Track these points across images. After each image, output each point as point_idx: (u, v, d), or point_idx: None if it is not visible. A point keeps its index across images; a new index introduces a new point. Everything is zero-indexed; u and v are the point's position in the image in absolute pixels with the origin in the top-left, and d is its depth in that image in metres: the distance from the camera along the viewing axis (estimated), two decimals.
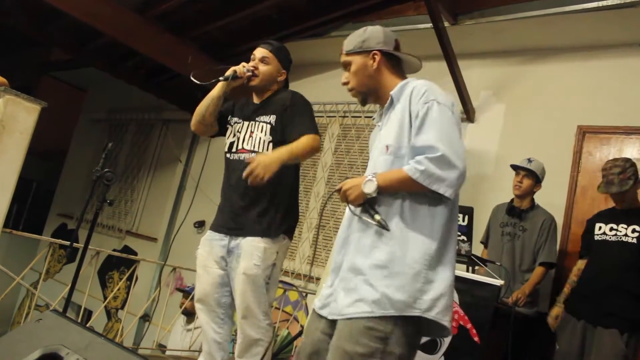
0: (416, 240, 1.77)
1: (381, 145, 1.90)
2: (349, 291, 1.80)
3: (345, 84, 2.02)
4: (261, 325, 2.47)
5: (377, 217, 1.80)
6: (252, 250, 2.46)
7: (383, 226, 1.78)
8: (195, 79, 2.60)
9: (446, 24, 4.42)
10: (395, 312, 1.70)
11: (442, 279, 1.77)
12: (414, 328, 1.76)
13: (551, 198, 3.92)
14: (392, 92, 1.93)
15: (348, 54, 2.01)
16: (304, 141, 2.48)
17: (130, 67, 6.96)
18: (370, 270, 1.77)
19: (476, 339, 2.97)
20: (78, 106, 9.72)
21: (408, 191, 1.79)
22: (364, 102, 2.03)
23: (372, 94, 2.01)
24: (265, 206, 2.54)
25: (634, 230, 3.18)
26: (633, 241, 3.16)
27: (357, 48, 2.00)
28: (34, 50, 9.00)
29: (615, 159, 3.35)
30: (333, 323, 1.83)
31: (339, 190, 1.90)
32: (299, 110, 2.59)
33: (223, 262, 2.56)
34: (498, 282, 3.06)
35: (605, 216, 3.38)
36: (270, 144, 2.56)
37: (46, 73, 9.65)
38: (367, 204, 1.83)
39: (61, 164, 9.55)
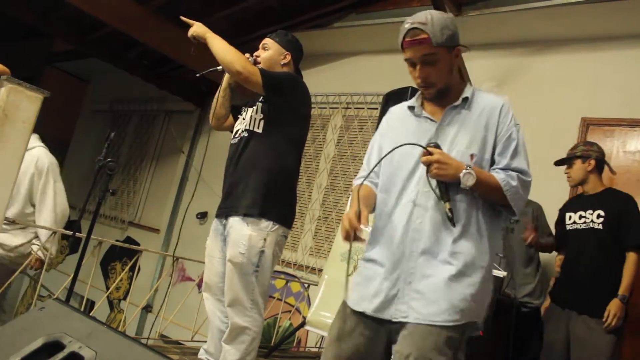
0: (489, 251, 1.82)
1: (461, 150, 1.83)
2: (434, 296, 1.74)
3: (424, 78, 1.85)
4: (248, 313, 2.45)
5: (447, 205, 1.76)
6: (237, 238, 2.45)
7: (450, 218, 1.75)
8: (199, 74, 2.63)
9: (450, 14, 4.40)
10: (474, 319, 1.77)
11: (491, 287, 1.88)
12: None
13: (554, 190, 3.91)
14: (468, 95, 1.89)
15: (438, 46, 1.79)
16: (231, 49, 2.46)
17: (132, 58, 6.96)
18: (455, 278, 1.76)
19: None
20: (81, 97, 9.72)
21: (485, 198, 1.82)
22: (434, 98, 1.91)
23: (444, 92, 1.89)
24: (251, 184, 2.51)
25: (599, 216, 3.17)
26: (599, 227, 3.15)
27: (447, 42, 1.81)
28: (37, 41, 9.00)
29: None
30: (384, 324, 1.80)
31: (428, 154, 1.76)
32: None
33: (222, 250, 2.59)
34: (500, 273, 3.06)
35: (574, 204, 3.39)
36: (262, 121, 2.55)
37: (49, 64, 9.64)
38: (444, 186, 1.77)
39: (63, 155, 9.56)
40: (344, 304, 1.91)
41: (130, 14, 5.40)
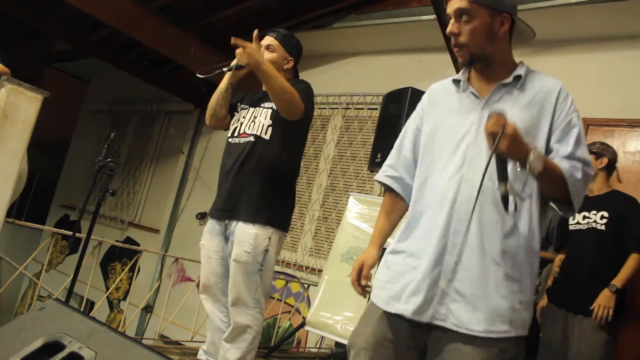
0: (536, 251, 1.60)
1: None
2: (476, 300, 1.52)
3: (455, 35, 1.65)
4: (250, 312, 2.46)
5: (503, 187, 1.44)
6: (243, 237, 2.46)
7: (504, 201, 1.44)
8: (201, 75, 2.60)
9: None
10: (523, 332, 1.55)
11: None
12: None
13: None
14: (521, 73, 1.67)
15: (476, 2, 1.61)
16: (288, 85, 2.47)
17: (132, 59, 6.96)
18: (505, 281, 1.53)
19: None
20: (81, 97, 9.72)
21: (544, 189, 1.58)
22: (468, 64, 1.70)
23: (483, 60, 1.67)
24: (256, 191, 2.52)
25: (602, 217, 3.15)
26: (602, 228, 3.13)
27: (489, 2, 1.62)
28: (37, 41, 9.00)
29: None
30: (421, 327, 1.58)
31: (500, 122, 1.42)
32: (297, 87, 2.57)
33: (223, 250, 2.58)
34: None
35: None
36: (270, 128, 2.56)
37: (49, 64, 9.64)
38: (503, 165, 1.46)
39: (64, 156, 9.56)
40: (371, 308, 1.69)
41: (131, 14, 5.40)
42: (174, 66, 6.82)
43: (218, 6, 5.48)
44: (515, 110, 1.60)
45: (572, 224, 3.30)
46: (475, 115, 1.64)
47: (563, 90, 1.65)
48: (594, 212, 3.20)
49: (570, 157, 1.56)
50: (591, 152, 3.23)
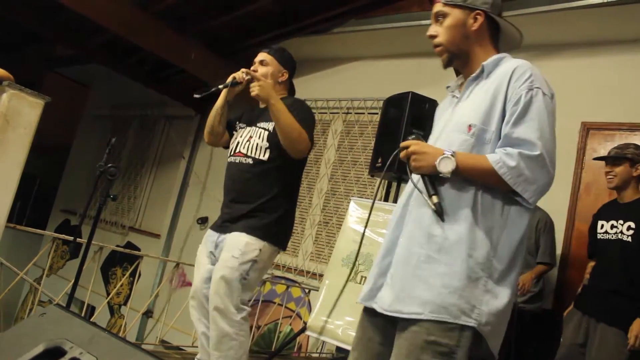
0: (484, 241, 1.53)
1: (460, 121, 1.63)
2: (397, 282, 1.56)
3: (433, 37, 1.72)
4: (234, 318, 2.44)
5: (434, 199, 1.54)
6: (234, 243, 2.48)
7: (439, 212, 1.53)
8: (198, 95, 2.61)
9: None
10: (450, 318, 1.47)
11: (503, 296, 1.53)
12: (475, 342, 1.50)
13: (554, 195, 3.88)
14: (484, 63, 1.67)
15: (447, 4, 1.69)
16: (296, 124, 2.49)
17: (133, 63, 6.97)
18: (426, 264, 1.53)
19: None
20: (82, 102, 9.73)
21: (483, 184, 1.56)
22: (448, 64, 1.74)
23: (460, 57, 1.72)
24: (254, 208, 2.54)
25: (629, 228, 3.02)
26: (628, 240, 3.01)
27: (459, 0, 1.69)
28: (38, 46, 9.01)
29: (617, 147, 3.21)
30: (387, 324, 1.60)
31: (405, 148, 1.61)
32: (298, 112, 2.57)
33: (212, 256, 2.60)
34: None
35: (607, 211, 3.24)
36: (268, 150, 2.57)
37: (50, 69, 9.66)
38: (429, 178, 1.57)
39: (64, 160, 9.57)
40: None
41: (131, 19, 5.41)
42: (174, 71, 6.84)
43: (218, 11, 5.48)
44: (478, 98, 1.64)
45: (600, 233, 3.19)
46: (448, 116, 1.72)
47: (519, 69, 1.60)
48: (621, 221, 3.07)
49: (508, 140, 1.54)
50: (625, 158, 3.10)
